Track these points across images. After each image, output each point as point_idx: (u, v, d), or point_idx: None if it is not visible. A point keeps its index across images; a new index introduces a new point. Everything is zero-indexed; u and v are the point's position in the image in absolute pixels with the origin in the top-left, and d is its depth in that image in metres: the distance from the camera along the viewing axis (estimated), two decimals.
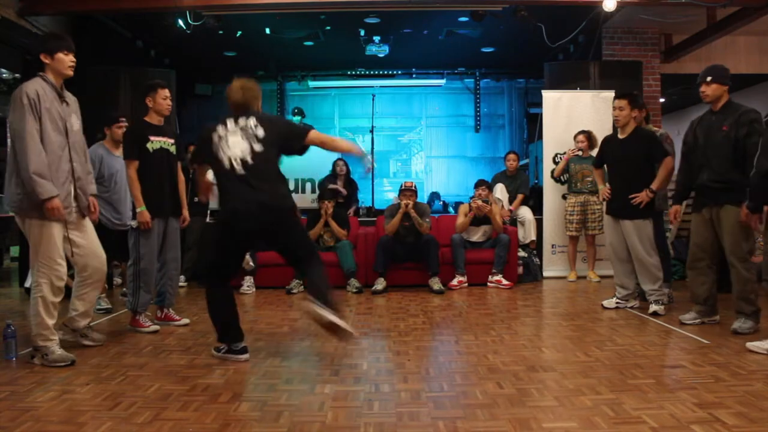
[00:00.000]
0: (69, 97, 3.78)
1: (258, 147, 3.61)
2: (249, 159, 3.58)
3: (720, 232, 4.31)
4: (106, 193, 5.15)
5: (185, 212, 4.83)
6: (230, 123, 3.71)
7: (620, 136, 5.13)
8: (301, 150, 3.80)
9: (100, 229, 5.00)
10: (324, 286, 3.54)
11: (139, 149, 4.48)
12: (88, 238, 3.86)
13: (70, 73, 3.71)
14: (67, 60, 3.67)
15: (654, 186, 4.88)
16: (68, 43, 3.71)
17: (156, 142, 4.54)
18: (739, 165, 4.15)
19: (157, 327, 4.57)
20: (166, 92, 4.62)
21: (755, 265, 4.34)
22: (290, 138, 3.74)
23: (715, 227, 4.35)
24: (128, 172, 4.48)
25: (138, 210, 4.43)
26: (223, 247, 3.78)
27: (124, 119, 5.30)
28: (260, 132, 3.65)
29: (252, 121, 3.68)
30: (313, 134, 3.70)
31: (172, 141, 4.66)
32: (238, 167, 3.59)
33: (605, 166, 5.33)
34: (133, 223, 4.49)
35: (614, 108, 5.09)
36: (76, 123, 3.78)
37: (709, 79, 4.31)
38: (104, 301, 5.42)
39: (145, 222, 4.43)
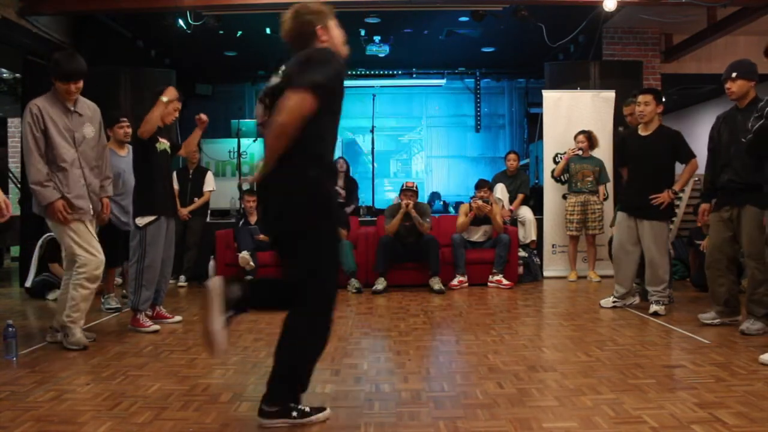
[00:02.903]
0: (83, 107, 4.03)
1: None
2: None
3: (739, 233, 4.25)
4: (116, 195, 5.15)
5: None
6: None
7: (642, 132, 4.99)
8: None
9: (110, 229, 5.09)
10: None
11: (150, 147, 4.57)
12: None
13: (71, 98, 3.92)
14: (63, 89, 3.86)
15: (677, 187, 4.82)
16: (70, 75, 3.83)
17: (161, 144, 4.67)
18: (761, 166, 3.99)
19: (157, 327, 4.57)
20: (179, 105, 4.79)
21: None
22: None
23: (734, 227, 4.29)
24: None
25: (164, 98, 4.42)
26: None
27: (125, 119, 5.36)
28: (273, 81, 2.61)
29: (281, 71, 2.62)
30: (286, 97, 2.41)
31: (169, 144, 4.82)
32: None
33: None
34: (139, 222, 4.49)
35: (639, 103, 4.93)
36: (89, 132, 4.02)
37: (734, 75, 4.19)
38: (114, 300, 5.42)
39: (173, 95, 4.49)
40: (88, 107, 4.07)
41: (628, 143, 5.15)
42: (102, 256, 3.97)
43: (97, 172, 4.12)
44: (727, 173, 4.28)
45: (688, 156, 4.88)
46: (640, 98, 4.94)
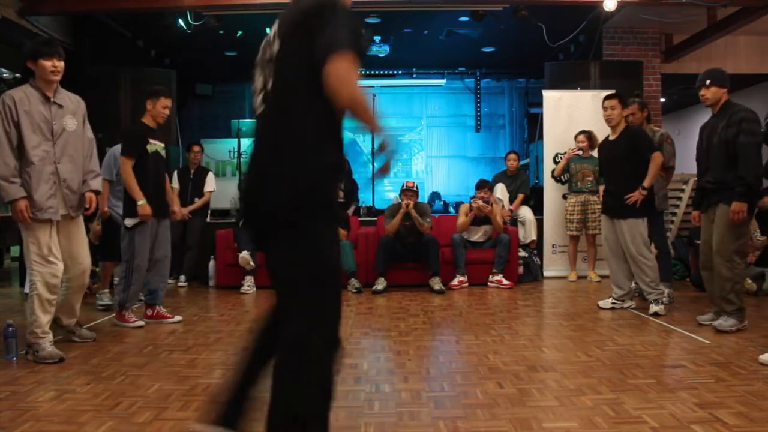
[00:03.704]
0: (64, 99, 3.83)
1: (271, 76, 2.04)
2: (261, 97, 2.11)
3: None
4: (120, 192, 5.18)
5: (176, 207, 5.00)
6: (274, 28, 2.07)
7: (612, 137, 5.16)
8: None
9: (112, 224, 5.12)
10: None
11: (139, 150, 4.61)
12: (73, 242, 3.90)
13: (54, 78, 3.71)
14: (48, 65, 3.66)
15: (645, 183, 4.88)
16: (51, 48, 3.72)
17: (152, 145, 4.71)
18: (732, 166, 4.16)
19: (142, 323, 4.68)
20: (168, 102, 4.75)
21: (741, 264, 4.30)
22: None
23: None
24: (125, 168, 4.56)
25: (139, 203, 4.51)
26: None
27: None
28: (275, 47, 2.02)
29: (274, 27, 2.07)
30: (337, 66, 1.79)
31: (163, 145, 4.84)
32: (257, 110, 2.11)
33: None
34: (129, 223, 4.58)
35: (606, 108, 5.09)
36: (70, 124, 3.82)
37: (708, 82, 4.33)
38: (107, 297, 5.43)
39: (147, 214, 4.53)
40: (70, 99, 3.87)
41: (602, 151, 5.30)
42: (61, 264, 3.72)
43: (80, 167, 3.89)
44: (707, 175, 4.40)
45: (648, 150, 4.95)
46: (606, 103, 5.10)
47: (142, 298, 4.90)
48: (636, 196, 4.88)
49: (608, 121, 5.11)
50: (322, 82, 1.81)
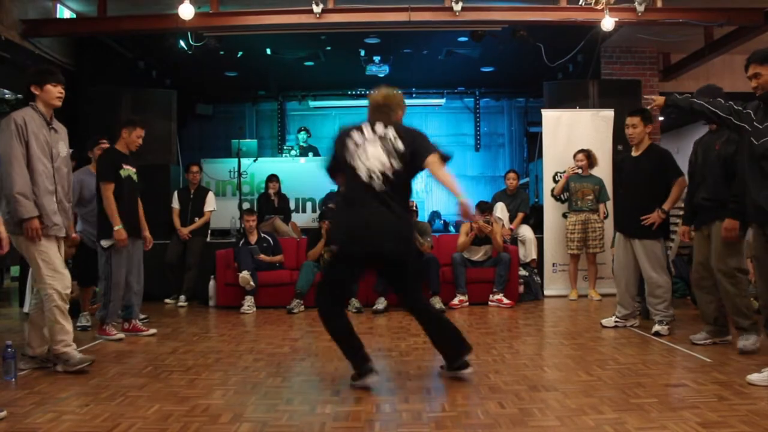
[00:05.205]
0: (58, 125, 4.03)
1: (397, 163, 3.44)
2: (390, 174, 3.42)
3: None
4: (90, 215, 5.36)
5: (148, 234, 5.31)
6: (367, 130, 3.59)
7: (634, 153, 5.05)
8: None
9: (83, 248, 5.37)
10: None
11: (115, 174, 4.92)
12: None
13: (58, 103, 3.94)
14: (54, 91, 3.89)
15: (666, 206, 4.84)
16: (57, 76, 3.94)
17: (126, 170, 5.02)
18: (729, 183, 4.13)
19: (122, 335, 5.00)
20: (142, 132, 5.15)
21: (745, 279, 4.26)
22: (419, 155, 3.53)
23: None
24: (105, 194, 4.84)
25: (116, 228, 4.81)
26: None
27: (105, 141, 5.49)
28: (400, 145, 3.49)
29: (391, 132, 3.55)
30: (432, 159, 3.51)
31: (135, 170, 5.13)
32: (377, 181, 3.40)
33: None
34: (104, 243, 4.87)
35: (627, 126, 4.99)
36: (63, 149, 4.03)
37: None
38: (85, 319, 5.48)
39: (123, 239, 4.84)
40: (59, 126, 4.05)
41: (623, 166, 5.21)
42: (67, 273, 3.96)
43: (66, 190, 4.07)
44: (701, 192, 4.37)
45: (675, 174, 4.91)
46: (628, 120, 5.01)
47: (121, 312, 5.14)
48: (654, 218, 4.82)
49: (630, 138, 5.00)
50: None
